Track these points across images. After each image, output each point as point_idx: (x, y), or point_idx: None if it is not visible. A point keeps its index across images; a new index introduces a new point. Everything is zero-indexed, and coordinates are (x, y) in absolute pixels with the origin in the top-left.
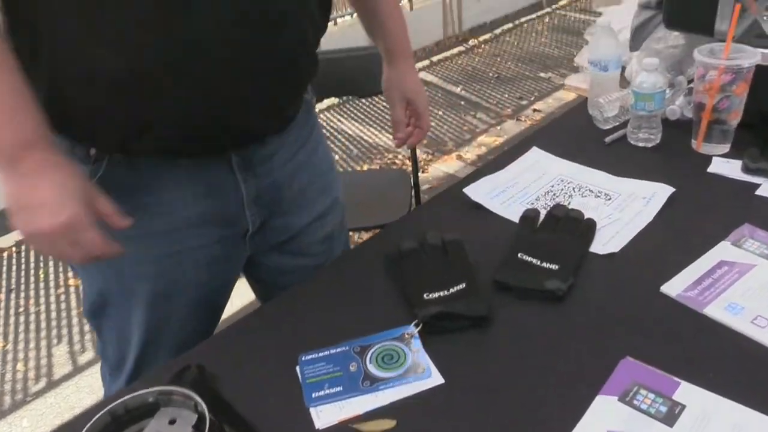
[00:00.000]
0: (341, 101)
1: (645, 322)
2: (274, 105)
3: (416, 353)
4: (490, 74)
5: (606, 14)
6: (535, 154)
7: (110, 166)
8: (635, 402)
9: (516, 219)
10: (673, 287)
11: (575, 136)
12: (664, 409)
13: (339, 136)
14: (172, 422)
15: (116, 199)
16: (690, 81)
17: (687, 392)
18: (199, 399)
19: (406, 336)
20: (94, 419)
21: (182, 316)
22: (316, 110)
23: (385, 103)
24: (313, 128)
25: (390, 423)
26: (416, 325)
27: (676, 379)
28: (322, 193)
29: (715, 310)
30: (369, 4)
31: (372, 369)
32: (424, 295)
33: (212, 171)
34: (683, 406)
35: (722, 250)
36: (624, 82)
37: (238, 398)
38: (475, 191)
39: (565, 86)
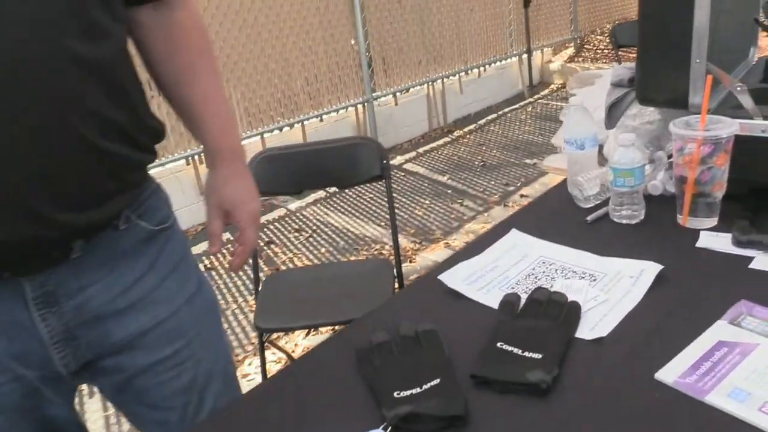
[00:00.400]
0: (327, 194)
1: (639, 414)
2: (45, 209)
3: None
4: (476, 162)
5: (579, 94)
6: (515, 236)
7: None
8: None
9: (496, 305)
10: (669, 373)
11: (556, 216)
12: None
13: (326, 229)
14: None
15: None
16: (670, 156)
17: None
18: None
19: None
20: None
21: None
22: (299, 204)
23: (371, 194)
24: (169, 254)
25: None
26: (384, 429)
27: None
28: (175, 338)
29: (717, 398)
30: (181, 92)
31: None
32: (395, 394)
33: (1, 305)
34: None
35: (719, 330)
36: (603, 161)
37: None
38: (451, 278)
39: (544, 166)
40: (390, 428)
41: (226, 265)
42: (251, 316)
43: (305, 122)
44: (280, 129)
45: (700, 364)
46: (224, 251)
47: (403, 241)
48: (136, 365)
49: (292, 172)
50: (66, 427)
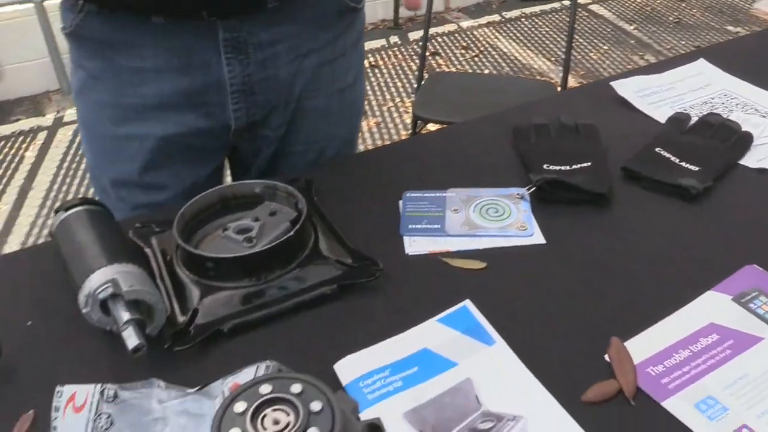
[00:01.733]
0: (502, 19)
1: None
2: None
3: (522, 213)
4: (671, 18)
5: None
6: (702, 65)
7: (88, 17)
8: (751, 305)
9: (662, 120)
10: None
11: (753, 57)
12: None
13: (493, 53)
14: (272, 214)
15: (92, 58)
16: None
17: None
18: (300, 197)
19: (516, 195)
20: (200, 195)
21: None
22: (472, 23)
23: (548, 27)
24: (353, 44)
25: (480, 264)
26: (529, 189)
27: None
28: (319, 118)
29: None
30: None
31: (474, 217)
32: (544, 166)
33: (194, 43)
34: None
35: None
36: None
37: (336, 217)
38: (623, 86)
39: (755, 10)
40: (533, 189)
41: (390, 65)
42: (405, 116)
43: None
44: None
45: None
46: (387, 53)
47: (570, 80)
48: (278, 135)
49: None
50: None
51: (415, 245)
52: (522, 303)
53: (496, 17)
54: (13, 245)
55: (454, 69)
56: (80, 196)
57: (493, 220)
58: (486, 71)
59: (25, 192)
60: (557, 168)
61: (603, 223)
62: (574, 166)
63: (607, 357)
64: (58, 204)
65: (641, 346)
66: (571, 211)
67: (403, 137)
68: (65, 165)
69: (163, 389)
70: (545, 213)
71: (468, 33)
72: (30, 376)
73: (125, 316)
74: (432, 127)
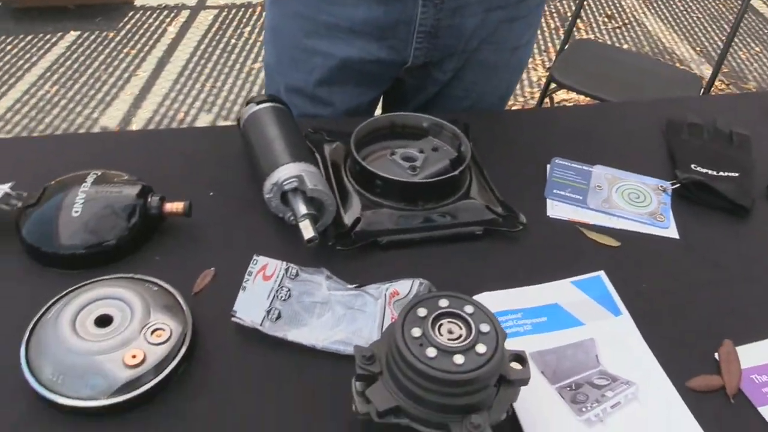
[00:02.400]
0: None
1: None
2: None
3: (662, 205)
4: None
5: None
6: None
7: None
8: None
9: None
10: None
11: None
12: None
13: (637, 28)
14: (434, 149)
15: None
16: None
17: None
18: (465, 139)
19: (659, 187)
20: (375, 117)
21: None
22: None
23: (699, 13)
24: (536, 6)
25: (614, 242)
26: (673, 184)
27: None
28: (490, 91)
29: None
30: None
31: (615, 197)
32: (692, 165)
33: None
34: None
35: None
36: None
37: (486, 165)
38: None
39: None
40: (677, 185)
41: None
42: (533, 73)
43: None
44: None
45: None
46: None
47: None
48: (445, 79)
49: None
50: (367, 110)
51: (556, 209)
52: (647, 286)
53: None
54: (146, 111)
55: (593, 36)
56: (211, 80)
57: (633, 204)
58: (625, 46)
59: (162, 64)
60: (704, 171)
61: (738, 232)
62: (721, 173)
63: (716, 355)
64: (189, 83)
65: (751, 354)
66: (709, 214)
67: (527, 93)
68: (202, 47)
69: (329, 279)
70: (683, 210)
71: (616, 2)
72: (211, 239)
73: (303, 209)
74: (562, 94)
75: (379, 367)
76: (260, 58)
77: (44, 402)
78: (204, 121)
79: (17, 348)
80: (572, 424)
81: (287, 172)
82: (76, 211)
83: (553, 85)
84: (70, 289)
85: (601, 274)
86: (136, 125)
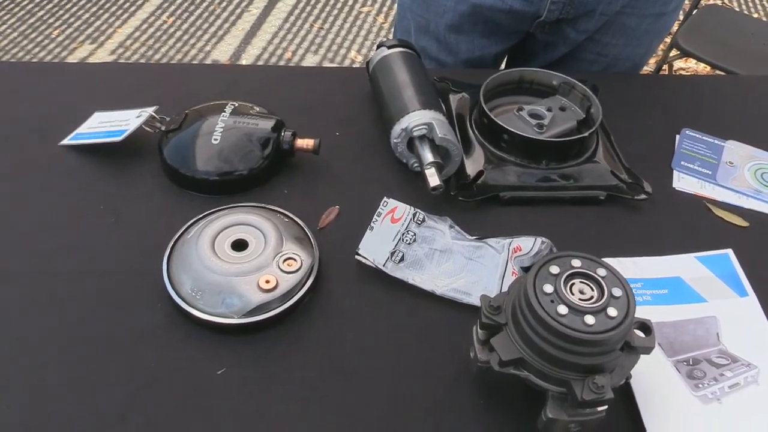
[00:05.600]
0: None
1: None
2: None
3: None
4: None
5: None
6: None
7: None
8: None
9: None
10: None
11: None
12: None
13: None
14: (562, 108)
15: None
16: None
17: None
18: (596, 101)
19: None
20: (505, 71)
21: None
22: None
23: None
24: None
25: (743, 222)
26: None
27: None
28: (626, 57)
29: None
30: None
31: (747, 176)
32: None
33: None
34: None
35: None
36: None
37: (613, 130)
38: None
39: None
40: None
41: None
42: None
43: None
44: None
45: None
46: None
47: None
48: (579, 39)
49: None
50: (492, 63)
51: (683, 182)
52: None
53: None
54: (256, 48)
55: (719, 2)
56: (320, 21)
57: (766, 185)
58: (755, 15)
59: (273, 2)
60: None
61: None
62: None
63: None
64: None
65: None
66: None
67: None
68: None
69: (452, 228)
70: None
71: None
72: (336, 178)
73: (430, 157)
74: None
75: (504, 319)
76: (368, 2)
77: (180, 313)
78: (310, 61)
79: (157, 260)
80: (688, 399)
81: (417, 118)
82: (215, 139)
83: (674, 52)
84: (208, 212)
85: (729, 252)
86: (245, 61)
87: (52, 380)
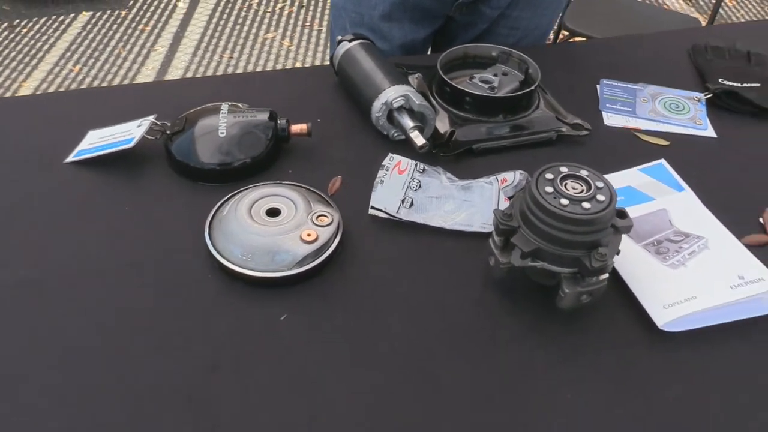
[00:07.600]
0: None
1: None
2: None
3: (699, 111)
4: None
5: None
6: None
7: None
8: None
9: None
10: None
11: None
12: None
13: None
14: (504, 74)
15: None
16: None
17: None
18: (532, 62)
19: (695, 98)
20: (452, 48)
21: None
22: None
23: None
24: None
25: (664, 142)
26: (706, 94)
27: None
28: (534, 27)
29: None
30: None
31: (659, 107)
32: (719, 79)
33: None
34: None
35: None
36: None
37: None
38: None
39: None
40: (709, 96)
41: None
42: None
43: None
44: None
45: None
46: None
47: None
48: (493, 16)
49: None
50: (421, 48)
51: (612, 119)
52: (696, 173)
53: None
54: None
55: None
56: (228, 51)
57: (674, 112)
58: None
59: (178, 39)
60: (730, 84)
61: (764, 130)
62: (745, 84)
63: (761, 220)
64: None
65: None
66: (738, 117)
67: None
68: (214, 20)
69: (445, 174)
70: (716, 116)
71: None
72: (331, 155)
73: (410, 123)
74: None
75: (516, 223)
76: (271, 29)
77: (232, 278)
78: None
79: (193, 243)
80: (660, 269)
81: (393, 93)
82: (222, 132)
83: (564, 33)
84: (236, 191)
85: (663, 161)
86: None
87: (149, 348)
